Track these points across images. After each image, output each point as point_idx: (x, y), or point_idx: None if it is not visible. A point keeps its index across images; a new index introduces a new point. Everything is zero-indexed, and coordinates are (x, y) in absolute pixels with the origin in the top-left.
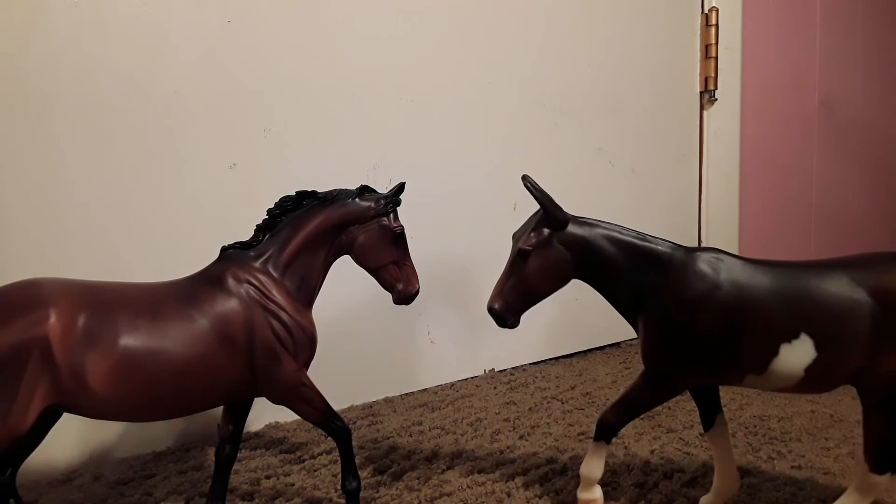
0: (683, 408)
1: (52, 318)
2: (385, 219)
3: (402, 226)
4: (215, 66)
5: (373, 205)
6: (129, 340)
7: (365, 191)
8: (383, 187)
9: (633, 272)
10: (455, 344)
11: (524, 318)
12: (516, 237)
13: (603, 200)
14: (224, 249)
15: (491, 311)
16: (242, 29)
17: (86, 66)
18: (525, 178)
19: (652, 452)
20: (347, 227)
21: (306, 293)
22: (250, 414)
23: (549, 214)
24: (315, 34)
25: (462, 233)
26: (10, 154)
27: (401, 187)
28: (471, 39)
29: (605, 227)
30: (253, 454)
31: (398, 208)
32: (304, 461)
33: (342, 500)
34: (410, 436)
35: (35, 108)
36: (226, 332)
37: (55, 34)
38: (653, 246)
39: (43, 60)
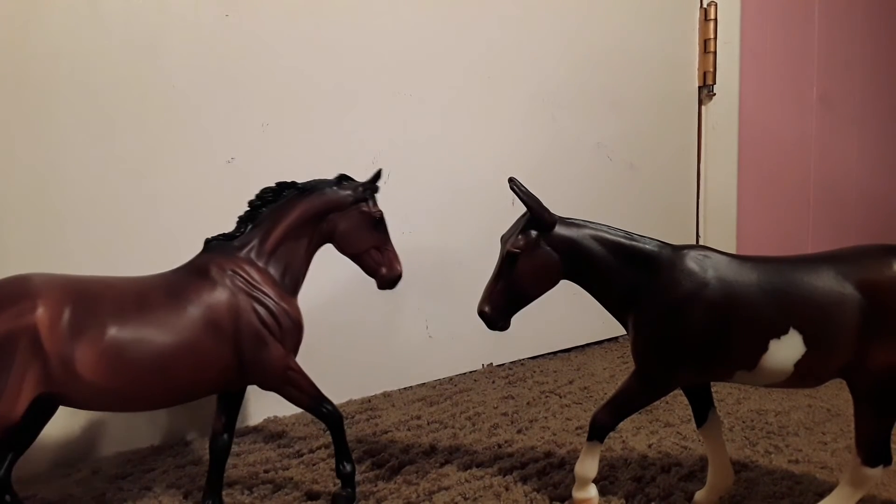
0: (681, 402)
1: (40, 309)
2: (364, 205)
3: (381, 211)
4: (213, 61)
5: (351, 192)
6: (116, 329)
7: (343, 179)
8: (381, 181)
9: (621, 272)
10: (453, 338)
11: (522, 312)
12: (504, 240)
13: (601, 195)
14: (208, 241)
15: (481, 314)
16: (240, 23)
17: (84, 60)
18: (511, 181)
19: (649, 447)
20: (328, 214)
21: (291, 281)
22: (249, 408)
23: (536, 216)
24: (313, 28)
25: (460, 227)
26: (8, 148)
27: (378, 174)
28: (469, 34)
29: (592, 228)
30: (252, 448)
31: (377, 195)
32: (302, 455)
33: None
34: (409, 430)
35: (33, 102)
36: (212, 320)
37: (53, 28)
38: (640, 245)
39: (41, 55)
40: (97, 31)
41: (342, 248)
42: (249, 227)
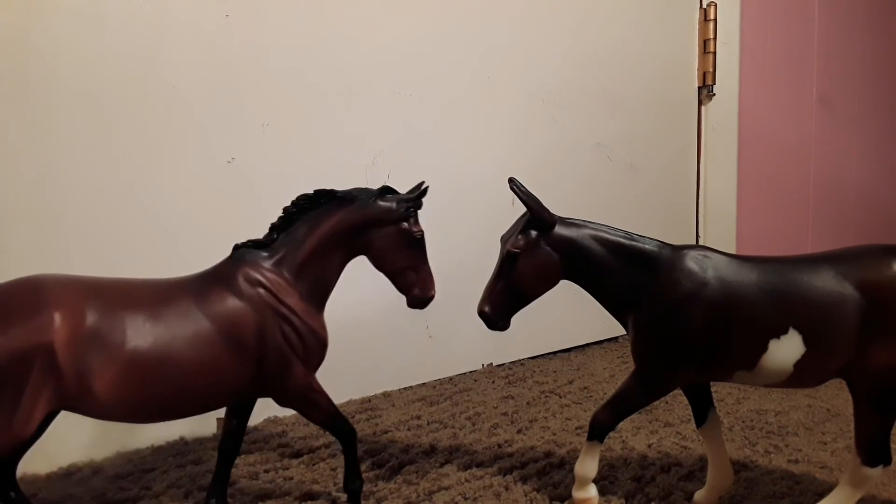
0: (681, 402)
1: (58, 323)
2: (405, 223)
3: (422, 230)
4: (213, 61)
5: (393, 207)
6: (137, 345)
7: (386, 192)
8: (382, 181)
9: (621, 272)
10: (453, 338)
11: (522, 312)
12: (504, 240)
13: (601, 196)
14: (237, 248)
15: (481, 314)
16: (240, 23)
17: (84, 60)
18: (511, 181)
19: (649, 446)
20: (366, 229)
21: (319, 296)
22: None
23: (536, 216)
24: (313, 28)
25: (460, 227)
26: (9, 149)
27: (423, 190)
28: (469, 34)
29: (592, 228)
30: (252, 448)
31: (419, 211)
32: (302, 455)
33: (341, 494)
34: (409, 430)
35: (34, 102)
36: (236, 337)
37: (53, 29)
38: (640, 245)
39: (41, 55)
40: (97, 31)
41: (376, 264)
42: (281, 235)
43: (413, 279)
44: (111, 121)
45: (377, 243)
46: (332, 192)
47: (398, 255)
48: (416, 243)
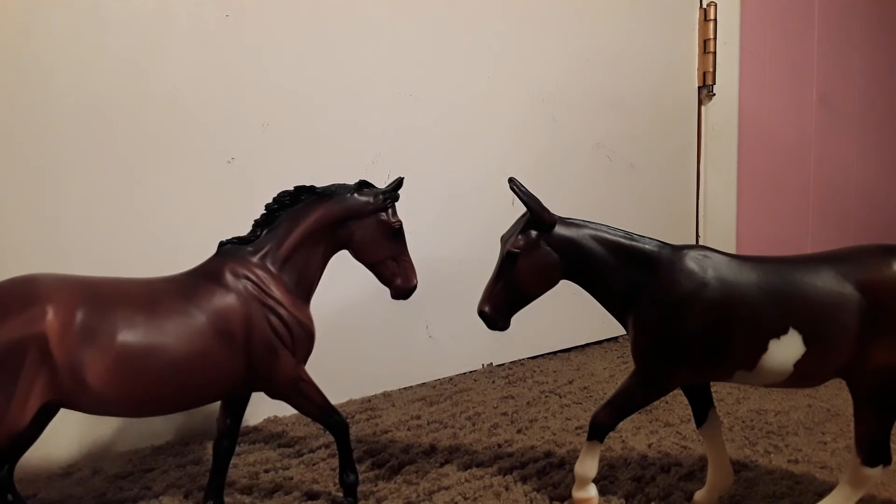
0: (681, 402)
1: (50, 315)
2: (383, 214)
3: (400, 221)
4: (214, 61)
5: (371, 200)
6: (127, 337)
7: (363, 186)
8: (382, 181)
9: (621, 272)
10: (453, 338)
11: (522, 312)
12: (504, 240)
13: (601, 195)
14: (222, 244)
15: (481, 314)
16: (241, 23)
17: (84, 60)
18: (511, 181)
19: (649, 446)
20: (345, 222)
21: (304, 288)
22: (249, 408)
23: (536, 216)
24: (313, 28)
25: (460, 227)
26: (9, 149)
27: (399, 182)
28: (469, 34)
29: (592, 228)
30: (251, 448)
31: (396, 203)
32: (302, 455)
33: (341, 494)
34: (409, 430)
35: (33, 102)
36: (224, 328)
37: (54, 28)
38: (640, 245)
39: (41, 55)
40: (97, 31)
41: (358, 256)
42: (264, 231)
43: (395, 269)
44: (111, 120)
45: (358, 235)
46: (311, 187)
47: (379, 245)
48: (396, 234)
